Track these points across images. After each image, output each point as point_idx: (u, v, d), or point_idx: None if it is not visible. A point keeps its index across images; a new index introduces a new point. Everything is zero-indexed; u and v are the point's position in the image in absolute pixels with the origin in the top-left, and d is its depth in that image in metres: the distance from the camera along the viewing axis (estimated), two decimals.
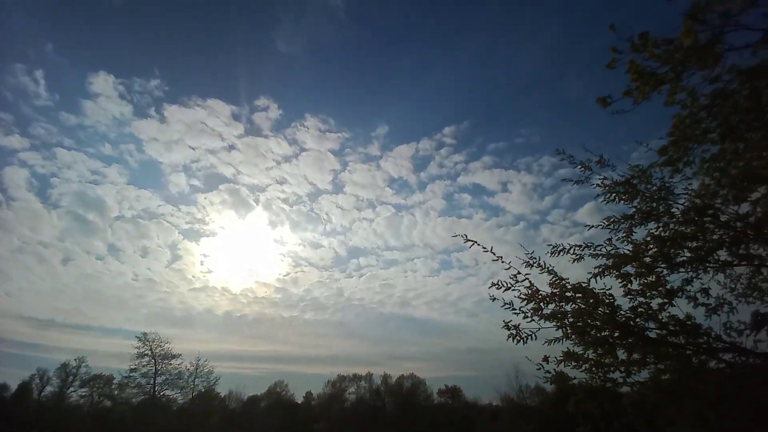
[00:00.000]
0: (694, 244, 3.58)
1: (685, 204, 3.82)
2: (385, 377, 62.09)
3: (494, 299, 3.86)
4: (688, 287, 3.64)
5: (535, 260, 4.02)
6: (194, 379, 50.28)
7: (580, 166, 4.45)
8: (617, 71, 5.00)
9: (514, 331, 3.65)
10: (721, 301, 3.64)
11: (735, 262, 3.55)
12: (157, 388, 47.55)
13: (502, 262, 3.88)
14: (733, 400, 3.17)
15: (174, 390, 49.17)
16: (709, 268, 3.67)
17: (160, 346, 47.97)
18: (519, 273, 3.81)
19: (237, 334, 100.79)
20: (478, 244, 4.01)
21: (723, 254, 3.57)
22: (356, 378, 61.85)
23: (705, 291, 3.57)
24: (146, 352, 47.51)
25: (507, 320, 3.69)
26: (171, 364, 48.47)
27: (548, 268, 3.98)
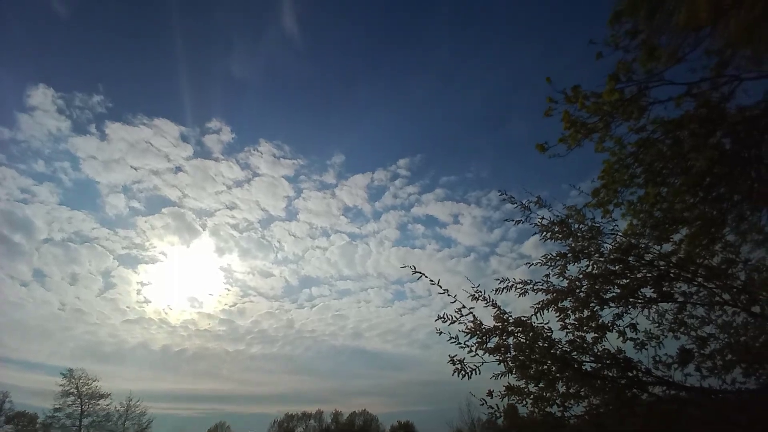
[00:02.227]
0: (623, 281, 3.88)
1: (613, 244, 4.17)
2: (336, 415, 59.79)
3: (440, 333, 3.95)
4: (619, 322, 3.92)
5: (480, 294, 4.18)
6: (124, 421, 46.02)
7: (520, 207, 4.75)
8: (556, 116, 5.47)
9: (459, 366, 3.73)
10: (650, 335, 3.93)
11: (659, 300, 3.88)
12: (83, 430, 43.16)
13: (449, 295, 4.01)
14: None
15: None
16: (637, 304, 3.97)
17: (87, 384, 43.83)
18: (464, 307, 3.94)
19: (174, 371, 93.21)
20: (426, 277, 4.11)
21: (648, 291, 3.89)
22: (305, 417, 58.99)
23: (633, 326, 3.85)
24: (72, 391, 43.21)
25: (452, 355, 3.78)
26: (99, 404, 44.28)
27: (492, 301, 4.15)
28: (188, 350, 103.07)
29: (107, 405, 44.56)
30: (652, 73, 4.77)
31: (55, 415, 42.22)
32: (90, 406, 43.52)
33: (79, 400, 43.10)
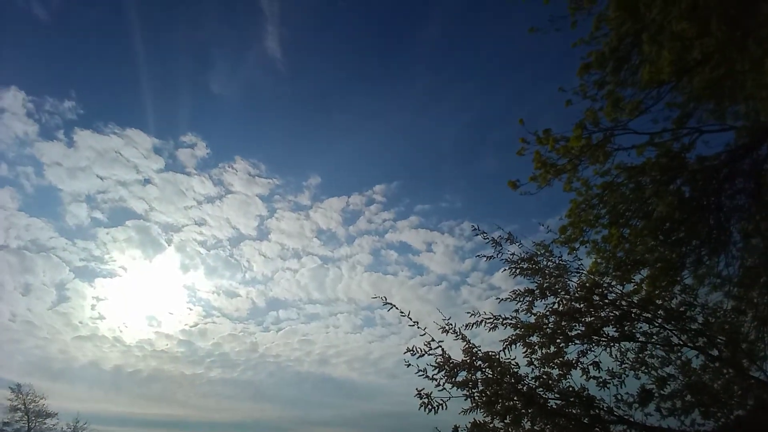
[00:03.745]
0: (587, 319, 3.93)
1: (578, 281, 4.24)
2: None
3: (409, 365, 3.86)
4: (583, 359, 3.94)
5: (451, 326, 4.14)
6: None
7: (491, 242, 4.80)
8: (526, 155, 5.63)
9: (426, 400, 3.64)
10: (612, 373, 3.96)
11: (621, 339, 3.94)
12: None
13: (419, 327, 3.94)
14: None
15: None
16: (600, 342, 4.02)
17: (35, 401, 40.98)
18: (433, 340, 3.88)
19: (127, 393, 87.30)
20: (397, 308, 4.04)
21: (611, 330, 3.95)
22: None
23: (596, 364, 3.87)
24: (19, 407, 40.32)
25: (420, 389, 3.68)
26: (45, 423, 41.34)
27: (462, 335, 4.11)
28: (143, 371, 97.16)
29: (54, 425, 41.53)
30: (616, 122, 5.01)
31: (4, 429, 39.29)
32: (37, 424, 40.65)
33: (26, 417, 40.30)
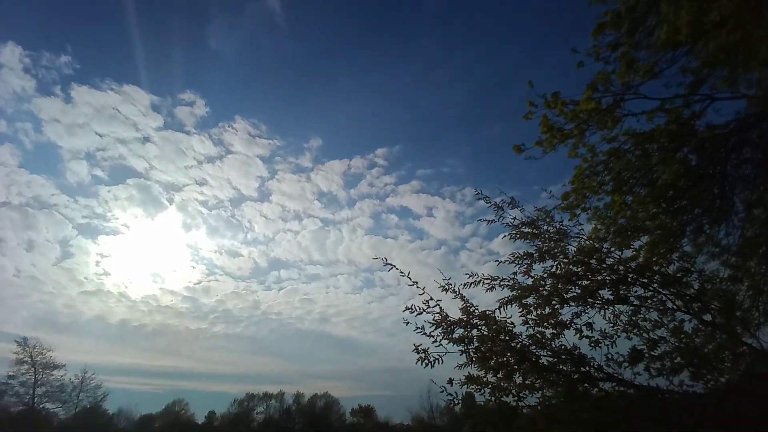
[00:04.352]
0: (583, 282, 3.99)
1: (577, 246, 4.28)
2: (298, 396, 59.55)
3: (407, 323, 3.98)
4: (577, 320, 4.04)
5: (450, 286, 4.23)
6: (78, 393, 44.82)
7: (494, 206, 4.80)
8: (533, 120, 5.54)
9: (423, 355, 3.78)
10: (604, 334, 4.07)
11: (616, 302, 4.02)
12: (36, 399, 41.83)
13: (418, 287, 4.03)
14: (610, 427, 3.52)
15: (55, 403, 43.54)
16: (595, 305, 4.10)
17: (42, 353, 42.49)
18: (432, 299, 3.98)
19: (133, 346, 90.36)
20: (397, 268, 4.12)
21: (606, 293, 4.02)
22: (266, 397, 58.45)
23: (590, 325, 3.98)
24: (26, 359, 41.81)
25: (417, 344, 3.82)
26: (53, 374, 43.02)
27: (461, 294, 4.20)
28: (148, 326, 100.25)
29: (61, 376, 43.30)
30: (628, 86, 4.88)
31: (9, 382, 40.79)
32: (44, 375, 42.21)
33: (33, 369, 41.77)
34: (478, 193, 4.75)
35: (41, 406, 42.55)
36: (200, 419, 54.14)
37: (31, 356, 42.09)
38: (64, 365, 43.52)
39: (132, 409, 50.01)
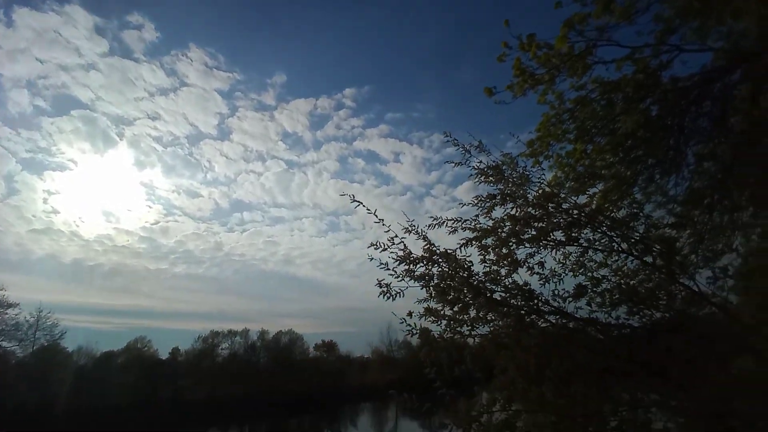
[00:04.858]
0: (539, 224, 4.19)
1: (538, 191, 4.43)
2: (263, 333, 61.35)
3: (371, 259, 4.09)
4: (530, 260, 4.28)
5: (414, 227, 4.32)
6: (35, 331, 44.23)
7: (462, 149, 4.83)
8: (506, 65, 5.48)
9: (385, 289, 3.95)
10: (553, 273, 4.36)
11: (567, 243, 4.26)
12: None
13: (383, 224, 4.11)
14: (552, 354, 3.87)
15: (11, 342, 42.96)
16: (548, 246, 4.34)
17: None
18: (396, 236, 4.08)
19: (89, 285, 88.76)
20: (363, 205, 4.16)
21: (559, 235, 4.25)
22: (231, 333, 59.81)
23: (542, 264, 4.24)
24: None
25: (380, 279, 3.97)
26: (7, 313, 42.05)
27: (423, 235, 4.32)
28: (104, 265, 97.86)
29: (16, 315, 42.37)
30: (602, 30, 4.86)
31: None
32: None
33: None
34: (447, 136, 4.75)
35: None
36: (164, 356, 54.96)
37: None
38: (17, 304, 42.46)
39: (92, 347, 49.97)
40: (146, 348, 53.15)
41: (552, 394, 3.51)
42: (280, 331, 62.21)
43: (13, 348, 43.04)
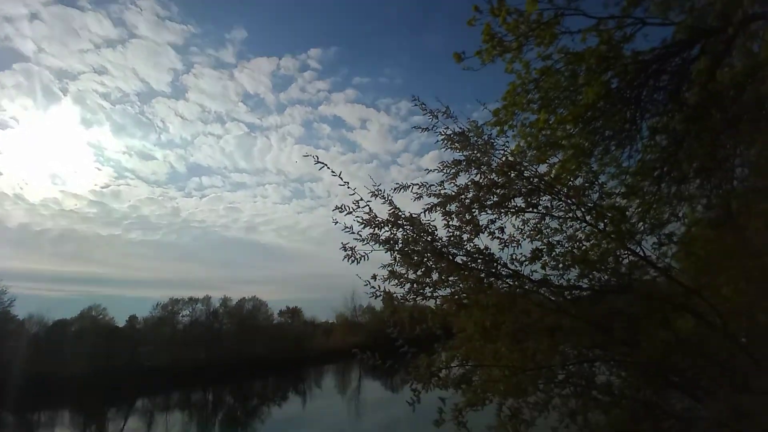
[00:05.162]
0: (501, 191, 4.31)
1: (501, 158, 4.53)
2: (225, 300, 60.49)
3: (336, 222, 4.10)
4: (491, 226, 4.43)
5: (380, 192, 4.34)
6: None
7: (429, 114, 4.82)
8: (475, 32, 5.43)
9: (350, 252, 3.98)
10: (512, 238, 4.53)
11: (526, 209, 4.42)
12: None
13: (348, 187, 4.09)
14: (508, 312, 4.09)
15: None
16: (508, 213, 4.49)
17: None
18: (362, 199, 4.09)
19: (37, 251, 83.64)
20: (328, 167, 4.11)
21: (520, 202, 4.41)
22: (192, 301, 58.52)
23: (501, 229, 4.39)
24: None
25: (345, 242, 4.00)
26: None
27: (389, 200, 4.35)
28: (52, 230, 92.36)
29: None
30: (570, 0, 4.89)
31: None
32: None
33: None
34: (415, 99, 4.71)
35: None
36: (121, 324, 53.41)
37: None
38: None
39: (44, 315, 47.84)
40: (101, 316, 51.30)
41: (507, 350, 3.74)
42: (244, 297, 61.62)
43: None
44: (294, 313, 67.67)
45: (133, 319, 55.03)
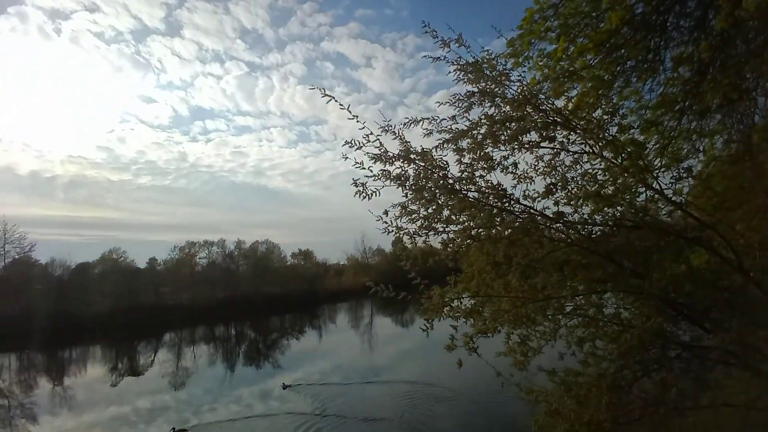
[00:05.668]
0: (515, 125, 4.13)
1: (516, 91, 4.29)
2: (239, 243, 62.24)
3: (346, 158, 4.00)
4: (504, 162, 4.30)
5: (390, 127, 4.19)
6: (3, 244, 43.26)
7: (440, 43, 4.52)
8: None
9: (361, 188, 3.93)
10: (526, 175, 4.42)
11: (541, 144, 4.26)
12: None
13: (358, 121, 3.95)
14: (519, 246, 4.08)
15: None
16: (522, 148, 4.34)
17: None
18: (372, 133, 3.96)
19: (51, 198, 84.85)
20: (336, 100, 3.94)
21: (535, 136, 4.23)
22: (207, 244, 60.35)
23: (515, 165, 4.27)
24: None
25: (356, 178, 3.93)
26: None
27: (400, 135, 4.21)
28: (63, 176, 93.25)
29: None
30: None
31: None
32: None
33: None
34: (425, 25, 4.40)
35: None
36: (141, 266, 55.38)
37: None
38: None
39: (66, 258, 49.62)
40: (122, 258, 53.25)
41: (517, 282, 3.77)
42: (257, 241, 63.32)
43: None
44: (306, 255, 69.52)
45: (153, 261, 57.08)
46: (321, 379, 19.33)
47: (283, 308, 52.52)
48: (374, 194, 3.95)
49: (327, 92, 3.93)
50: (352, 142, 3.95)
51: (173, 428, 14.26)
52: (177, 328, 44.00)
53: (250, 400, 17.60)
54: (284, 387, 18.69)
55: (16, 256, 44.56)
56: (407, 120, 4.54)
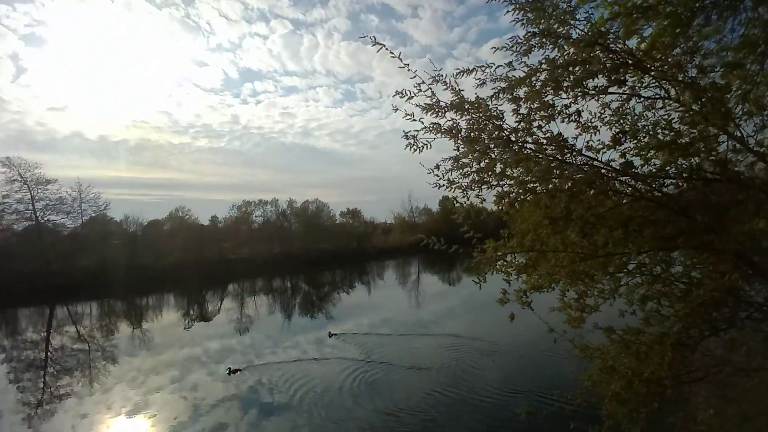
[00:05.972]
0: (580, 69, 3.76)
1: (583, 31, 3.88)
2: (291, 202, 64.67)
3: (396, 109, 3.86)
4: (566, 110, 3.97)
5: (441, 77, 3.97)
6: (80, 204, 47.30)
7: None
8: None
9: (412, 141, 3.80)
10: (590, 125, 4.07)
11: (609, 89, 3.86)
12: (39, 213, 44.16)
13: (409, 69, 3.77)
14: (579, 201, 3.83)
15: (59, 215, 46.26)
16: (587, 94, 3.97)
17: (30, 170, 42.95)
18: (423, 82, 3.78)
19: (119, 160, 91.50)
20: (387, 48, 3.77)
21: (602, 80, 3.84)
22: (262, 203, 63.39)
23: (578, 113, 3.93)
24: (15, 178, 42.43)
25: (407, 130, 3.80)
26: (48, 189, 44.39)
27: (452, 85, 3.98)
28: (129, 140, 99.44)
29: (57, 190, 44.77)
30: None
31: (5, 201, 42.10)
32: (39, 191, 43.46)
33: (25, 186, 42.64)
34: None
35: (45, 219, 44.95)
36: (204, 223, 59.51)
37: (20, 174, 42.44)
38: (56, 180, 44.63)
39: (138, 216, 53.97)
40: (187, 216, 57.23)
41: (576, 237, 3.57)
42: (307, 200, 65.51)
43: (62, 220, 46.68)
44: (354, 214, 70.95)
45: (214, 218, 61.02)
46: (370, 331, 20.10)
47: (333, 264, 54.58)
48: (425, 147, 3.81)
49: (377, 41, 3.75)
50: (403, 92, 3.79)
51: (229, 368, 15.46)
52: (239, 280, 47.20)
53: (306, 346, 18.75)
54: (330, 335, 19.67)
55: (93, 215, 48.77)
56: (459, 70, 4.28)
